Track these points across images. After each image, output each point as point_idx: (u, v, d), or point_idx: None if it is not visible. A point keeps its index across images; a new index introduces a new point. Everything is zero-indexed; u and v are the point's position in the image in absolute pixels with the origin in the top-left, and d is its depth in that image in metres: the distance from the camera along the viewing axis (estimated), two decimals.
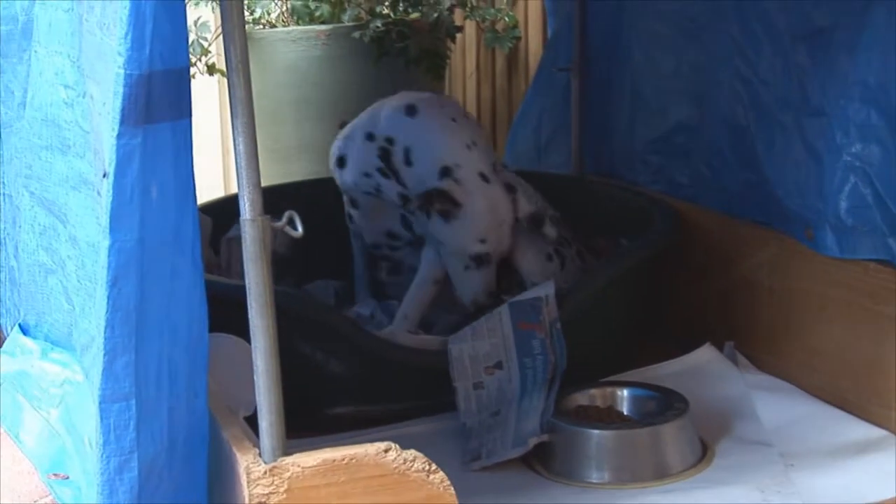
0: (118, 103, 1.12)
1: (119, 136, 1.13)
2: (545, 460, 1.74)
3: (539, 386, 1.87)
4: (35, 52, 1.59)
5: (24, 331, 1.72)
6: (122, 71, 1.11)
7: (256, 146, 1.18)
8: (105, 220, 1.16)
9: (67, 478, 1.47)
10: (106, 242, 1.16)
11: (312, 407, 1.85)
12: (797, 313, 1.94)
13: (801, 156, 1.89)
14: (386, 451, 1.23)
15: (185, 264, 1.21)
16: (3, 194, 1.83)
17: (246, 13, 2.64)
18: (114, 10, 1.18)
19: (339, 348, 1.91)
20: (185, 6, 1.14)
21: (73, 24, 1.44)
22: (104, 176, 1.14)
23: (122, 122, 1.13)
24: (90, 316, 1.42)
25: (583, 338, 1.94)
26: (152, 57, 1.12)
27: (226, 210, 2.11)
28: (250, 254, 1.19)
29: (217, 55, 3.10)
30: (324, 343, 1.90)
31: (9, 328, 1.83)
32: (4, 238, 1.83)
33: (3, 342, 1.83)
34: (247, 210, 1.19)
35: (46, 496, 1.85)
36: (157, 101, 1.14)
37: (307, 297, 2.02)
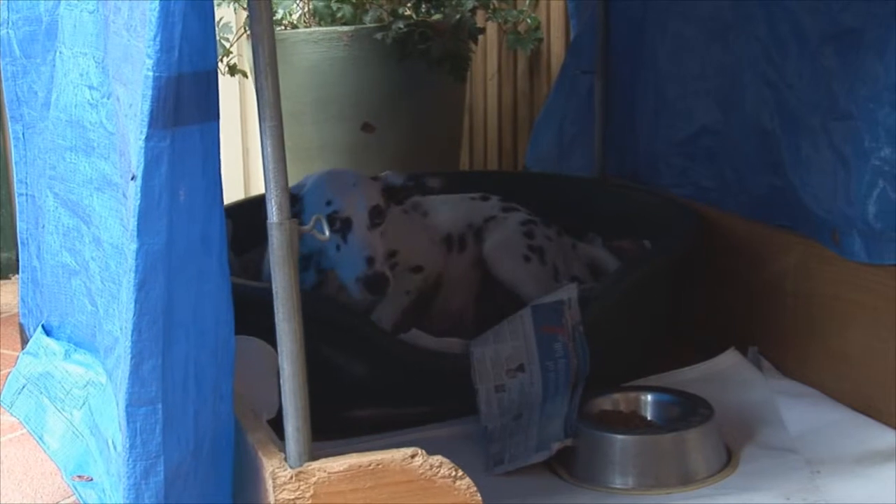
0: (146, 106, 1.12)
1: (147, 139, 1.13)
2: (569, 465, 1.73)
3: (562, 390, 1.86)
4: (60, 52, 1.59)
5: (48, 332, 1.72)
6: (150, 73, 1.11)
7: (284, 149, 1.17)
8: (133, 223, 1.15)
9: (91, 479, 1.46)
10: (133, 245, 1.15)
11: (333, 409, 1.84)
12: (823, 318, 1.92)
13: (828, 160, 1.87)
14: (412, 456, 1.22)
15: (212, 267, 1.20)
16: (26, 195, 1.83)
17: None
18: (141, 11, 1.18)
19: (360, 351, 1.91)
20: (213, 7, 1.13)
21: (98, 26, 1.43)
22: (132, 178, 1.14)
23: (151, 124, 1.12)
24: (114, 318, 1.41)
25: (606, 342, 1.93)
26: (181, 59, 1.11)
27: (246, 212, 2.10)
28: (277, 258, 1.18)
29: (238, 56, 3.10)
30: (345, 345, 1.89)
31: (31, 329, 1.83)
32: (27, 238, 1.83)
33: (26, 342, 1.83)
34: (274, 213, 1.18)
35: (69, 497, 1.85)
36: (186, 103, 1.13)
37: (329, 300, 2.01)
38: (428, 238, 2.18)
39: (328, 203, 1.98)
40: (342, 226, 1.97)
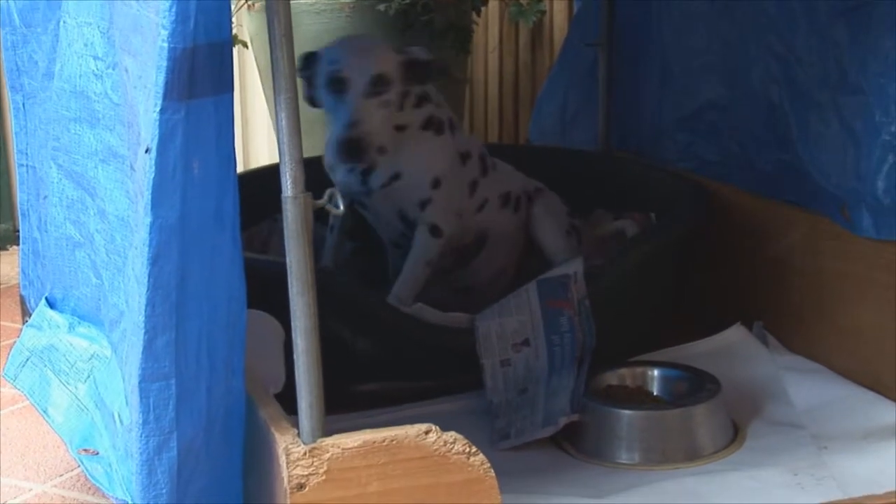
0: (161, 78, 1.10)
1: (162, 112, 1.11)
2: (575, 440, 1.73)
3: (568, 364, 1.85)
4: (64, 22, 1.57)
5: (51, 304, 1.71)
6: (165, 45, 1.09)
7: (299, 122, 1.15)
8: (147, 196, 1.14)
9: (98, 453, 1.46)
10: (147, 219, 1.14)
11: (338, 383, 1.83)
12: (830, 294, 1.92)
13: (837, 135, 1.86)
14: (427, 432, 1.21)
15: (225, 241, 1.19)
16: (27, 166, 1.81)
17: None
18: None
19: (365, 324, 1.90)
20: None
21: None
22: (146, 151, 1.12)
23: (165, 96, 1.10)
24: (119, 291, 1.40)
25: (612, 316, 1.92)
26: (196, 30, 1.09)
27: (246, 185, 2.08)
28: (292, 231, 1.17)
29: (238, 26, 3.07)
30: (350, 319, 1.88)
31: (32, 301, 1.82)
32: (27, 210, 1.82)
33: (27, 314, 1.82)
34: (289, 187, 1.16)
35: (73, 470, 1.85)
36: (201, 75, 1.11)
37: (334, 273, 2.00)
38: (466, 197, 2.09)
39: (332, 62, 1.93)
40: (338, 87, 1.91)
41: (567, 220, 2.19)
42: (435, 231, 2.05)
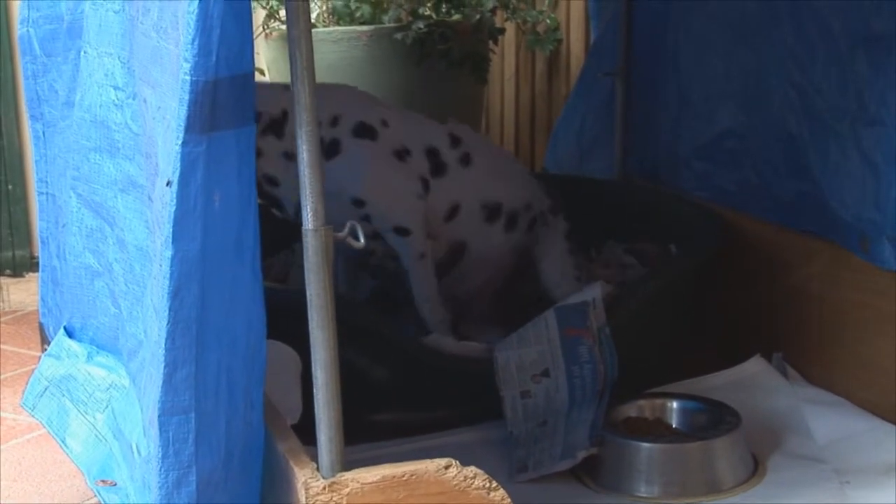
0: (183, 110, 1.10)
1: (184, 144, 1.11)
2: (593, 472, 1.71)
3: (588, 396, 1.84)
4: (85, 52, 1.58)
5: (70, 333, 1.71)
6: (188, 77, 1.09)
7: (320, 155, 1.15)
8: (168, 229, 1.13)
9: (115, 484, 1.45)
10: (168, 252, 1.13)
11: (353, 413, 1.82)
12: (850, 326, 1.90)
13: (857, 166, 1.85)
14: (446, 467, 1.20)
15: (245, 273, 1.19)
16: (46, 194, 1.82)
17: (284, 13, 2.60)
18: (173, 13, 1.16)
19: (381, 354, 1.89)
20: (251, 10, 1.11)
21: (123, 26, 1.42)
22: (168, 184, 1.12)
23: (188, 129, 1.10)
24: (137, 320, 1.40)
25: (630, 347, 1.91)
26: (218, 63, 1.09)
27: (263, 215, 2.07)
28: (312, 265, 1.16)
29: (255, 54, 3.08)
30: (366, 349, 1.87)
31: (51, 328, 1.82)
32: (47, 238, 1.82)
33: (46, 342, 1.82)
34: (310, 220, 1.16)
35: (90, 499, 1.84)
36: (222, 108, 1.11)
37: (352, 301, 1.99)
38: (419, 191, 1.96)
39: None
40: None
41: (573, 263, 2.13)
42: (400, 231, 1.95)
